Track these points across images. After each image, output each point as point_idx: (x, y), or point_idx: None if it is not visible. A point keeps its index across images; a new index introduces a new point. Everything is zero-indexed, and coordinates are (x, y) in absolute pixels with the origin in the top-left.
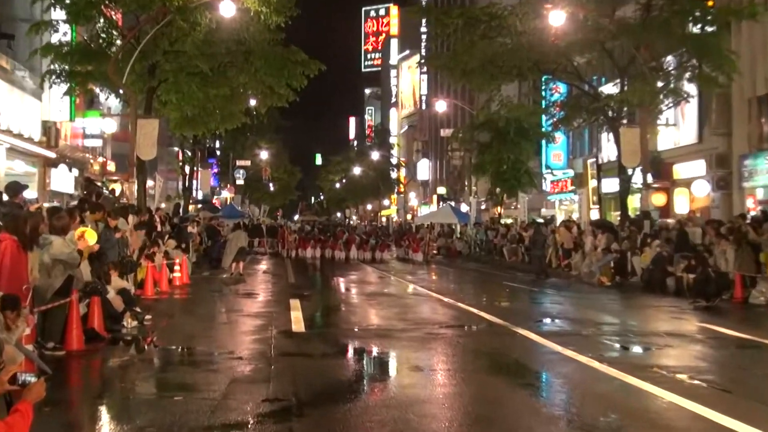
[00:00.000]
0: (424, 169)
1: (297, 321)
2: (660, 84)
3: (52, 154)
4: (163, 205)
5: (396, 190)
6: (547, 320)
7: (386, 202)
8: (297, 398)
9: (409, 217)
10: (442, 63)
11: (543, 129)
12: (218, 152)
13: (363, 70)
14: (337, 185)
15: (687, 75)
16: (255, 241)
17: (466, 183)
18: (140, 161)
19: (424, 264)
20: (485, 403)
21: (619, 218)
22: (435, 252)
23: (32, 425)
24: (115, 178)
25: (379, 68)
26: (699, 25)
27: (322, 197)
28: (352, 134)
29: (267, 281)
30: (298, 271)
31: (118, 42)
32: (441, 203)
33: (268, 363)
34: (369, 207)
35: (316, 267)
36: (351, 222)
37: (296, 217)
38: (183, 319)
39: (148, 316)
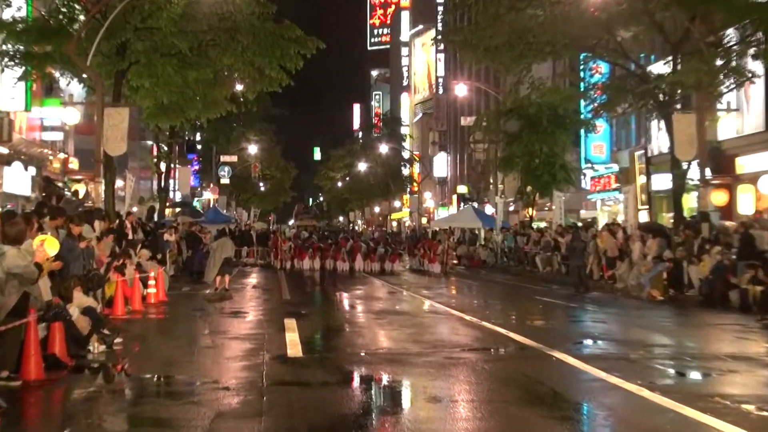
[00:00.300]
0: (442, 164)
1: (293, 344)
2: (719, 62)
3: (4, 150)
4: (135, 209)
5: (409, 190)
6: (588, 342)
7: (397, 203)
8: None
9: (424, 221)
10: (461, 39)
11: (582, 116)
12: (199, 146)
13: (369, 48)
14: (340, 184)
15: (751, 51)
16: (243, 251)
17: (492, 180)
18: (108, 157)
19: (442, 276)
20: None
21: (672, 221)
22: (455, 262)
23: None
24: (78, 177)
25: (388, 46)
26: None
27: (321, 198)
28: (356, 124)
29: (258, 297)
30: (294, 285)
31: (81, 18)
32: (462, 204)
33: (259, 394)
34: (377, 210)
35: (315, 280)
36: (356, 227)
37: (291, 222)
38: (159, 342)
39: (118, 340)
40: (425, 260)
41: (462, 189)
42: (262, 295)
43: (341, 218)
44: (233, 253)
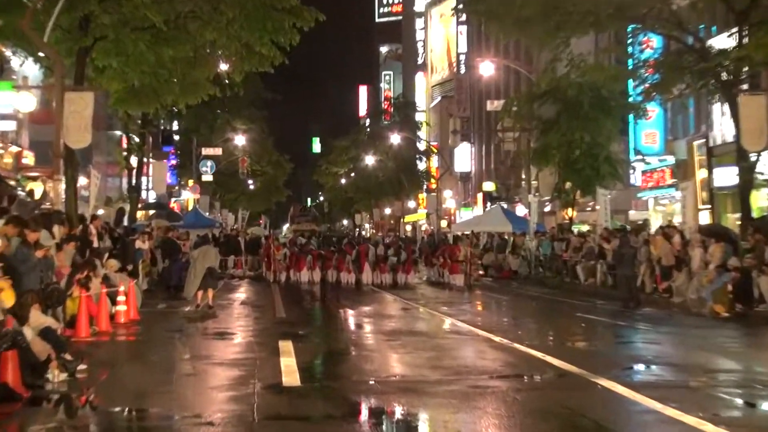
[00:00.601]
0: (465, 157)
1: (289, 371)
2: None
3: None
4: (101, 212)
5: (425, 188)
6: (640, 366)
7: (412, 203)
8: None
9: (444, 224)
10: (487, 9)
11: (630, 99)
12: (177, 137)
13: (377, 20)
14: (343, 181)
15: None
16: (229, 260)
17: (524, 176)
18: (69, 151)
19: (465, 290)
20: None
21: (738, 223)
22: (481, 273)
23: None
24: (34, 174)
25: (400, 17)
26: None
27: (321, 198)
28: (362, 110)
29: (247, 316)
30: (290, 300)
31: None
32: (488, 205)
33: (249, 429)
34: (388, 211)
35: (314, 295)
36: (363, 232)
37: (286, 227)
38: (131, 369)
39: (81, 366)
40: (445, 271)
41: (488, 186)
42: (253, 313)
43: (345, 222)
44: (217, 263)
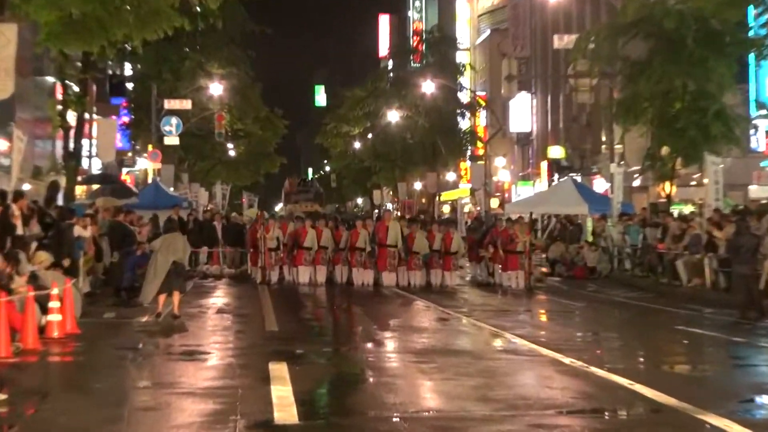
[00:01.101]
0: (523, 112)
1: (283, 404)
2: None
3: None
4: (27, 187)
5: (469, 154)
6: (764, 399)
7: (451, 176)
8: None
9: (494, 203)
10: None
11: (751, 33)
12: (131, 86)
13: None
14: (357, 145)
15: None
16: (202, 254)
17: (604, 138)
18: None
19: (524, 294)
20: None
21: None
22: (545, 270)
23: None
24: None
25: None
26: None
27: (327, 169)
28: (383, 48)
29: (226, 329)
30: (284, 308)
31: None
32: (556, 177)
33: None
34: (418, 186)
35: (318, 300)
36: (384, 212)
37: (279, 207)
38: (67, 401)
39: (1, 396)
40: (496, 267)
41: (556, 152)
42: (234, 325)
43: (359, 200)
44: (187, 257)
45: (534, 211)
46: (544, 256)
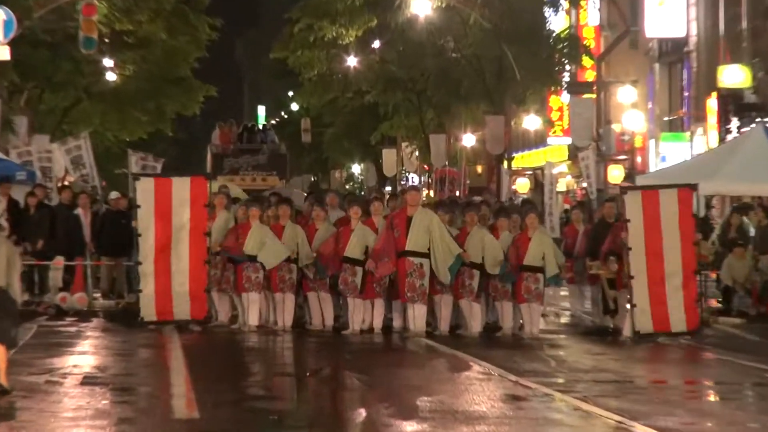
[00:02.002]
0: (672, 3)
1: None
2: None
3: None
4: None
5: (567, 80)
6: None
7: (532, 121)
8: None
9: (615, 173)
10: None
11: None
12: None
13: None
14: (351, 63)
15: None
16: (55, 268)
17: None
18: None
19: (677, 347)
20: None
21: None
22: (715, 303)
23: None
24: None
25: None
26: None
27: (294, 108)
28: None
29: (96, 417)
30: (210, 375)
31: None
32: (734, 124)
33: None
34: (469, 141)
35: (275, 360)
36: (405, 189)
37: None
38: None
39: None
40: (621, 296)
41: (735, 77)
42: (115, 409)
43: (356, 168)
44: (16, 277)
45: (699, 190)
46: (713, 276)
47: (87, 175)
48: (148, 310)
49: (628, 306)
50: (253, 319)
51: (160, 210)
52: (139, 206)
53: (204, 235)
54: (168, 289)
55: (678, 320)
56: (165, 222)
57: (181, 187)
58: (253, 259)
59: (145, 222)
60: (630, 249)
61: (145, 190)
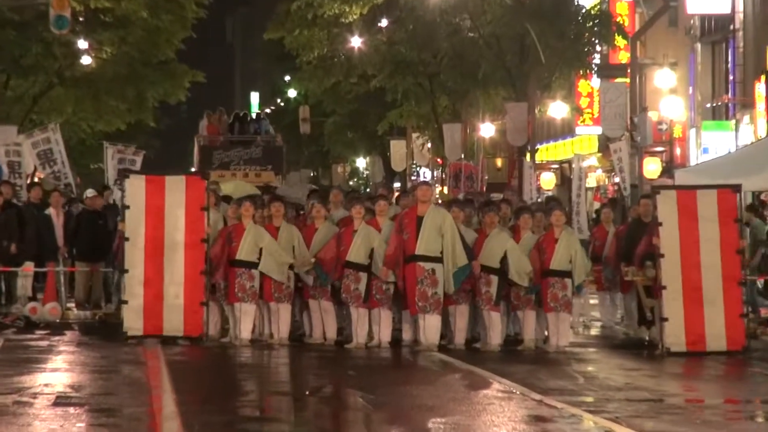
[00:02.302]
0: None
1: None
2: None
3: None
4: None
5: (598, 61)
6: None
7: (559, 108)
8: None
9: (652, 167)
10: None
11: None
12: None
13: None
14: (356, 44)
15: None
16: (23, 275)
17: None
18: None
19: (723, 360)
20: None
21: None
22: (765, 314)
23: None
24: None
25: None
26: None
27: (291, 95)
28: None
29: None
30: (198, 396)
31: None
32: None
33: None
34: (488, 131)
35: (271, 378)
36: (416, 185)
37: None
38: None
39: None
40: (660, 305)
41: None
42: None
43: (361, 163)
44: None
45: (743, 186)
46: (761, 282)
47: (59, 171)
48: (133, 324)
49: (660, 317)
50: (246, 332)
51: (152, 212)
52: (128, 207)
53: (201, 241)
54: (159, 301)
55: (716, 338)
56: (157, 225)
57: (176, 187)
58: (247, 265)
59: (135, 225)
60: (663, 256)
61: (135, 190)
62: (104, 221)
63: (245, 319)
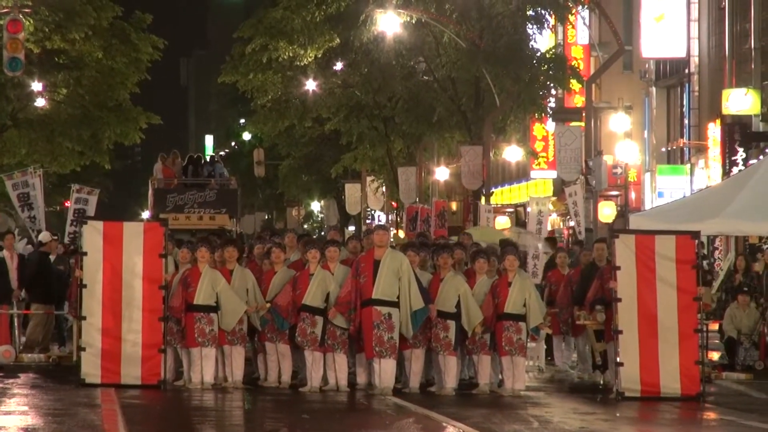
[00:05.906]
0: (672, 20)
1: None
2: None
3: None
4: None
5: (553, 105)
6: None
7: (514, 152)
8: None
9: (606, 211)
10: None
11: None
12: None
13: None
14: (311, 87)
15: None
16: None
17: None
18: None
19: (676, 406)
20: None
21: None
22: (713, 358)
23: None
24: None
25: None
26: None
27: (246, 138)
28: None
29: None
30: None
31: None
32: (739, 155)
33: None
34: (442, 175)
35: (227, 416)
36: (371, 230)
37: (145, 217)
38: None
39: None
40: (612, 348)
41: (741, 103)
42: None
43: (316, 206)
44: None
45: (701, 230)
46: (715, 327)
47: (34, 217)
48: (91, 370)
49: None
50: (208, 376)
51: (110, 258)
52: (85, 253)
53: (159, 288)
54: (117, 349)
55: (670, 384)
56: (114, 272)
57: (134, 232)
58: (205, 309)
59: (92, 272)
60: (620, 300)
61: (92, 236)
62: (63, 265)
63: (207, 363)
